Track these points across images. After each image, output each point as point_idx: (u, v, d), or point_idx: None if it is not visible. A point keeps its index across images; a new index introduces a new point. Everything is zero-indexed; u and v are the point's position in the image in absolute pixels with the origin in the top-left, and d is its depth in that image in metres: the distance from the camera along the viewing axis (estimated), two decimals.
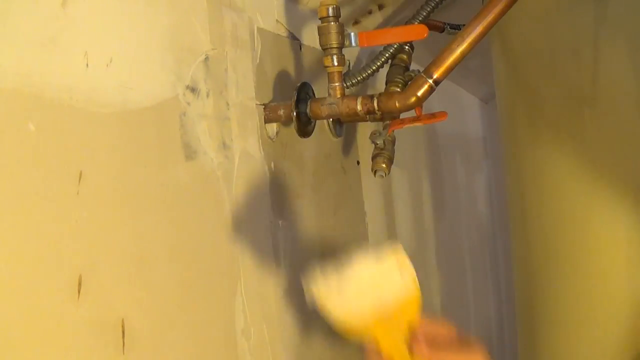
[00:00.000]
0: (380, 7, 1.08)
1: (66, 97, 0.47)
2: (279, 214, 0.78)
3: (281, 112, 0.76)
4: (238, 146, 0.71)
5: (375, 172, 0.88)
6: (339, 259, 0.55)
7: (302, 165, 0.86)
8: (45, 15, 0.46)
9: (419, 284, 0.56)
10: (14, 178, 0.43)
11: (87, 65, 0.50)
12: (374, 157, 0.89)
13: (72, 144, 0.48)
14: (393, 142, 0.90)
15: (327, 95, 0.77)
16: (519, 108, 0.95)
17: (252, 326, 0.70)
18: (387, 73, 0.93)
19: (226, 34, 0.70)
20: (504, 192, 1.07)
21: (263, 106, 0.77)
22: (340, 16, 0.74)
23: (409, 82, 0.79)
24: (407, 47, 0.95)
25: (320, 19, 0.74)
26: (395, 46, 0.93)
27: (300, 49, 0.89)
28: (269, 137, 0.78)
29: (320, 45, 0.75)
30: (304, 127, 0.79)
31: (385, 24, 1.12)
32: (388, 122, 0.86)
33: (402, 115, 0.82)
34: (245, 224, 0.71)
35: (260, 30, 0.78)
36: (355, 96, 0.76)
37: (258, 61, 0.77)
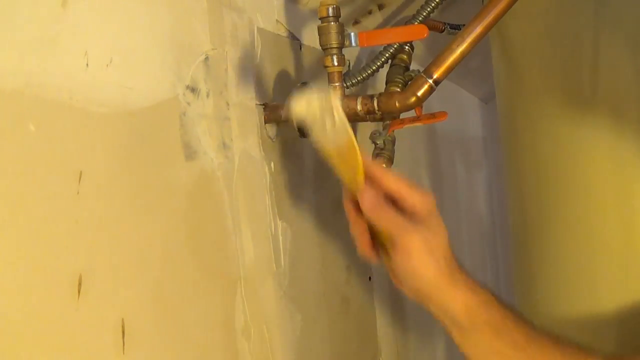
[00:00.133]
0: (380, 7, 1.08)
1: (66, 97, 0.48)
2: (279, 214, 0.78)
3: (281, 112, 0.76)
4: (238, 146, 0.71)
5: None
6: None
7: (302, 165, 0.86)
8: (45, 16, 0.46)
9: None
10: (14, 178, 0.43)
11: (87, 65, 0.50)
12: (374, 157, 0.89)
13: (72, 144, 0.48)
14: (393, 142, 0.90)
15: None
16: (519, 108, 0.95)
17: (252, 326, 0.70)
18: (387, 73, 0.92)
19: (226, 34, 0.70)
20: (503, 192, 1.07)
21: (263, 106, 0.77)
22: (340, 16, 0.74)
23: (409, 82, 0.79)
24: (407, 47, 0.95)
25: (320, 19, 0.74)
26: (395, 46, 0.92)
27: (300, 49, 0.89)
28: (269, 137, 0.78)
29: (320, 45, 0.75)
30: (304, 127, 0.78)
31: (385, 24, 1.12)
32: (388, 122, 0.86)
33: (402, 115, 0.82)
34: (245, 224, 0.71)
35: (260, 30, 0.78)
36: (355, 96, 0.76)
37: (258, 61, 0.77)
